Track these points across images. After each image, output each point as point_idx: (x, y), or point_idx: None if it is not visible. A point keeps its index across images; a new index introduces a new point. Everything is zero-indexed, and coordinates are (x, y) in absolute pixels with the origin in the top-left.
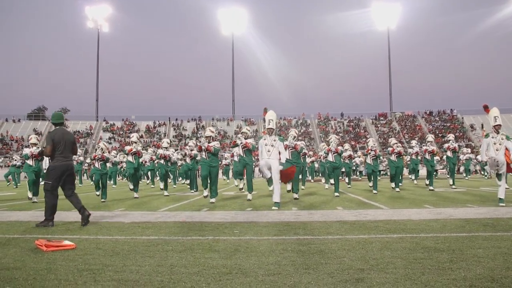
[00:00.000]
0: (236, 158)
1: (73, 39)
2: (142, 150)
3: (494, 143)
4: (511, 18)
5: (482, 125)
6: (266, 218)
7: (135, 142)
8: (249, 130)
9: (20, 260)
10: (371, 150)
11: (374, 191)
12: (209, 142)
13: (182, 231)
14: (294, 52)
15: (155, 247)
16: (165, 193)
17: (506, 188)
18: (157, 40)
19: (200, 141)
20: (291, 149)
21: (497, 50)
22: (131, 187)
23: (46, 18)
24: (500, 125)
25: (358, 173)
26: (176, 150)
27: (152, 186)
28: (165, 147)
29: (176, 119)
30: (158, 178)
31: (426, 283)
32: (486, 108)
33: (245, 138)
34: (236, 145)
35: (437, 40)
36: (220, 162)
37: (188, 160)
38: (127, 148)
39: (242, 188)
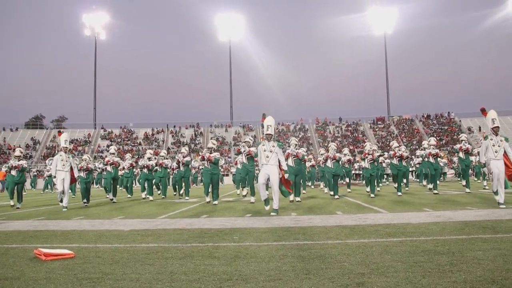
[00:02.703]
0: (239, 166)
1: (70, 47)
2: (121, 159)
3: (493, 145)
4: (508, 20)
5: (480, 127)
6: (266, 224)
7: (113, 154)
8: (251, 140)
9: (18, 270)
10: (368, 154)
11: (372, 195)
12: (210, 153)
13: (182, 238)
14: (291, 57)
15: (155, 254)
16: (150, 197)
17: (497, 192)
18: (154, 46)
19: (202, 151)
20: (293, 157)
21: (495, 53)
22: (129, 195)
23: (43, 26)
24: (498, 127)
25: (355, 177)
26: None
27: (129, 196)
28: (148, 158)
29: (174, 126)
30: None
31: (427, 286)
32: (484, 111)
33: (248, 147)
34: (240, 153)
35: (433, 43)
36: (222, 170)
37: (181, 167)
38: (106, 159)
39: (245, 195)
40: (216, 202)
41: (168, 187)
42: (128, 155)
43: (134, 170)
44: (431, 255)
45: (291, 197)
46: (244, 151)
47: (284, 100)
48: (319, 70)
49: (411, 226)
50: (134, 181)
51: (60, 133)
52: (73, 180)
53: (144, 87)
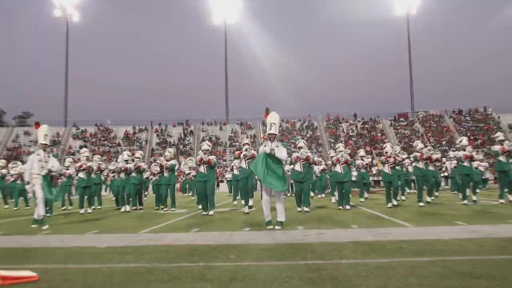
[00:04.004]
0: (236, 171)
1: (37, 30)
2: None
3: None
4: None
5: None
6: (268, 240)
7: (86, 157)
8: (250, 142)
9: None
10: (390, 156)
11: (390, 204)
12: (207, 156)
13: (168, 256)
14: (297, 42)
15: (136, 277)
16: (127, 207)
17: None
18: (136, 31)
19: (198, 154)
20: (302, 161)
21: None
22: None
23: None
24: None
25: (374, 184)
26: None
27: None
28: (125, 160)
29: (160, 124)
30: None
31: None
32: None
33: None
34: (239, 157)
35: (466, 26)
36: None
37: (165, 173)
38: (77, 164)
39: (248, 213)
40: (211, 212)
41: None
42: (96, 157)
43: (103, 174)
44: (467, 279)
45: (298, 208)
46: (245, 155)
47: (288, 92)
48: (329, 59)
49: (442, 243)
50: (102, 189)
51: (38, 125)
52: (55, 182)
53: (125, 78)
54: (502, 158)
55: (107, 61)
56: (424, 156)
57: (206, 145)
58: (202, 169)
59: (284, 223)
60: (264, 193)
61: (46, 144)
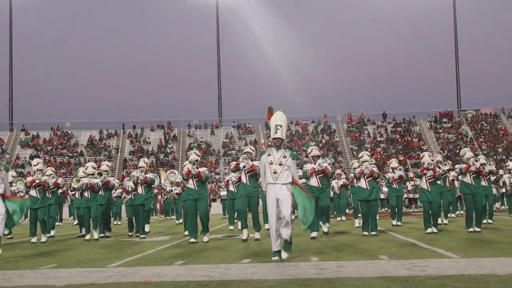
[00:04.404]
0: (232, 188)
1: None
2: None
3: None
4: None
5: None
6: (273, 274)
7: (40, 170)
8: (253, 151)
9: None
10: (428, 168)
11: (429, 230)
12: (197, 167)
13: None
14: (309, 26)
15: None
16: (95, 235)
17: None
18: (101, 8)
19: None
20: (319, 174)
21: None
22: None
23: None
24: None
25: (409, 203)
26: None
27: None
28: (90, 173)
29: (134, 127)
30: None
31: None
32: None
33: (251, 160)
34: (237, 169)
35: None
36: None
37: (140, 189)
38: (29, 179)
39: (246, 239)
40: (206, 238)
41: (119, 223)
42: (49, 170)
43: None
44: None
45: (314, 232)
46: (244, 166)
47: (297, 88)
48: (350, 46)
49: (497, 280)
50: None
51: None
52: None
53: (88, 69)
54: None
55: (64, 46)
56: (472, 168)
57: (194, 155)
58: (191, 184)
59: (292, 245)
60: (272, 214)
61: None
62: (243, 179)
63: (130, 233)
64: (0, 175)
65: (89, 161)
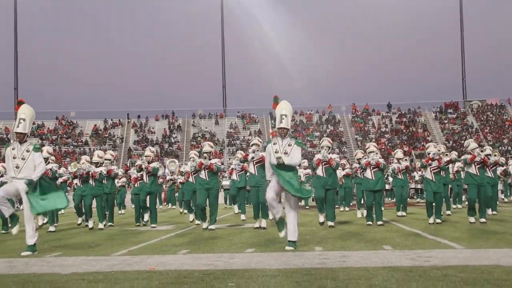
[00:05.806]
0: (235, 176)
1: None
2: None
3: None
4: None
5: None
6: (277, 264)
7: (45, 158)
8: (260, 142)
9: None
10: (433, 159)
11: (431, 220)
12: (209, 159)
13: (150, 285)
14: (314, 16)
15: None
16: (99, 225)
17: None
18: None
19: (200, 157)
20: (325, 165)
21: None
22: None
23: None
24: None
25: (414, 194)
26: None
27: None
28: (95, 162)
29: (139, 116)
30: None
31: None
32: None
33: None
34: (245, 160)
35: None
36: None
37: (145, 178)
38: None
39: (259, 227)
40: (213, 227)
41: (122, 212)
42: (52, 158)
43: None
44: None
45: (321, 218)
46: (253, 158)
47: (301, 78)
48: (355, 36)
49: (501, 271)
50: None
51: (18, 105)
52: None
53: (93, 59)
54: None
55: (69, 36)
56: (477, 159)
57: (208, 146)
58: (202, 175)
59: (297, 243)
60: (270, 192)
61: (22, 133)
62: (251, 169)
63: (138, 223)
64: (31, 157)
65: (94, 150)
